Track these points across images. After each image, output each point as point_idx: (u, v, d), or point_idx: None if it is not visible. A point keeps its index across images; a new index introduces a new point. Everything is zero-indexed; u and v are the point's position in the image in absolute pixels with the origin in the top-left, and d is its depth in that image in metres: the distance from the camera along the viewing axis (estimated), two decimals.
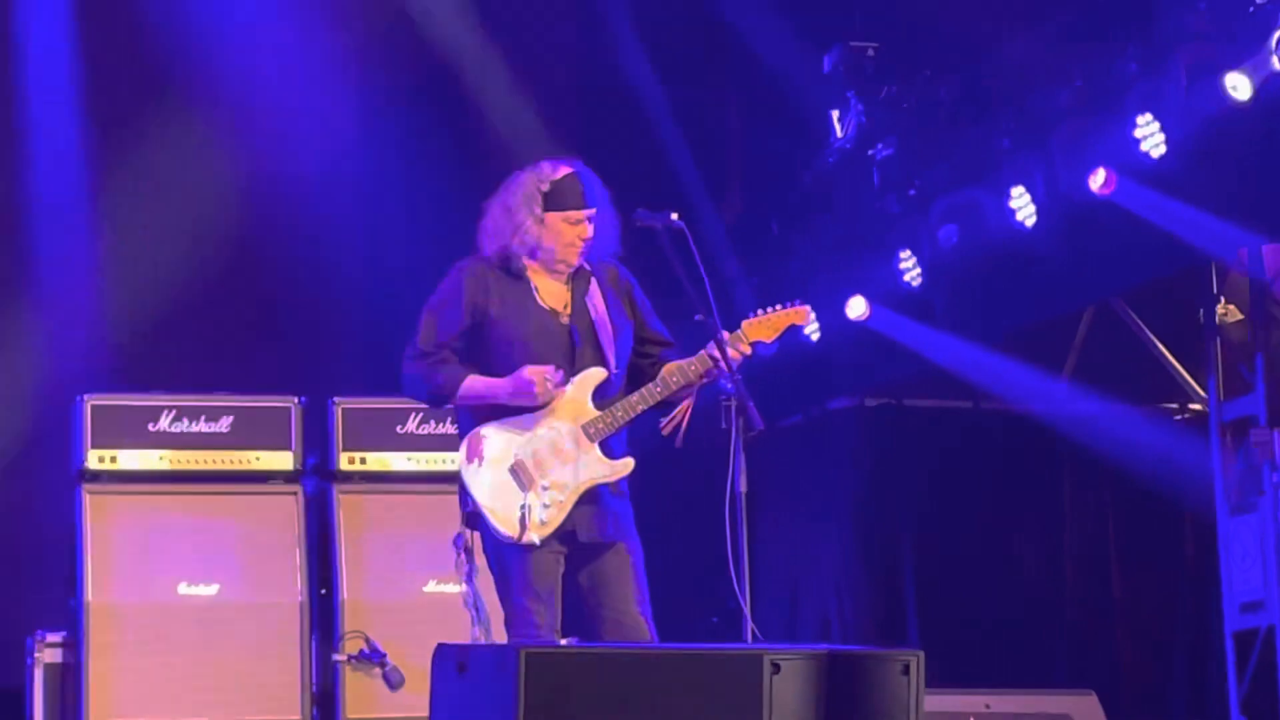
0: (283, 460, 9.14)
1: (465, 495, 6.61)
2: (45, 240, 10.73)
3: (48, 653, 8.97)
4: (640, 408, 6.59)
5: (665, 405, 6.67)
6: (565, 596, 6.62)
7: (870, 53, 10.65)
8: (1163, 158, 8.69)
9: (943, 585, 10.85)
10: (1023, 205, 9.43)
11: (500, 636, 6.67)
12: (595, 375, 6.61)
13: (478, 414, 6.63)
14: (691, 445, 6.67)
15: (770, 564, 11.05)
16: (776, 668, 5.50)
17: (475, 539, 6.63)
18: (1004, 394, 10.81)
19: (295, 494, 9.12)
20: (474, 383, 6.57)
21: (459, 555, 6.62)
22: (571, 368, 6.61)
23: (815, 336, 10.95)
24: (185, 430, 9.06)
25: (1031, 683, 9.49)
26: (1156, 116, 8.65)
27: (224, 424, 9.11)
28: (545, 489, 6.54)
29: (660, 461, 6.70)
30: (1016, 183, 9.44)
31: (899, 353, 10.69)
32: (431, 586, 9.00)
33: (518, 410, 6.57)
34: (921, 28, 10.22)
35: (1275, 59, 8.20)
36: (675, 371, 6.59)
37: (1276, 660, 9.24)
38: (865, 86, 10.66)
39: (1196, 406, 10.76)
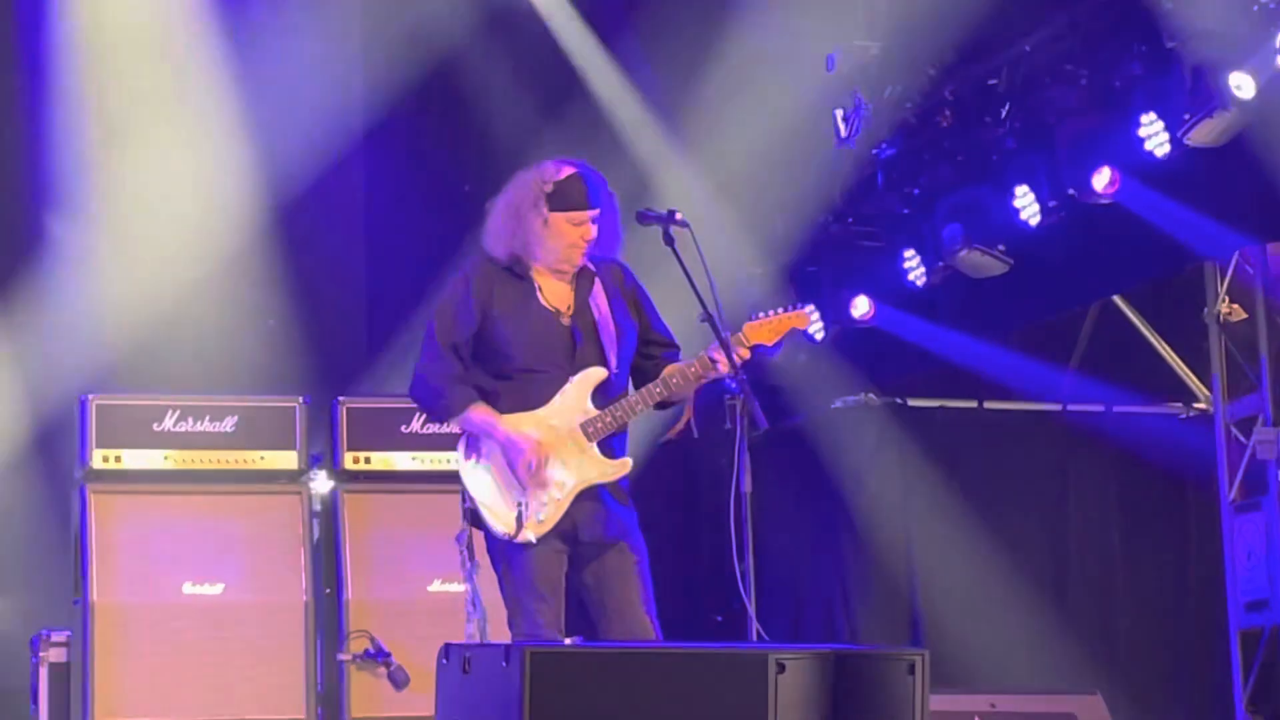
0: (287, 460, 9.15)
1: (464, 492, 6.62)
2: (49, 240, 10.73)
3: (53, 652, 8.98)
4: (639, 408, 6.59)
5: (665, 406, 6.67)
6: (570, 595, 6.62)
7: (875, 52, 10.64)
8: (1167, 157, 8.69)
9: (948, 584, 10.85)
10: (1027, 205, 9.42)
11: (498, 635, 6.67)
12: (595, 375, 6.61)
13: None
14: (696, 445, 6.67)
15: (775, 563, 11.04)
16: (782, 667, 5.50)
17: (477, 536, 6.64)
18: (1013, 386, 10.81)
19: (300, 494, 9.12)
20: (476, 413, 6.56)
21: (462, 552, 6.62)
22: (572, 367, 6.61)
23: (819, 336, 10.95)
24: (190, 430, 9.07)
25: (1036, 683, 9.51)
26: (1161, 116, 8.65)
27: (228, 424, 9.11)
28: (542, 487, 6.55)
29: (665, 461, 6.71)
30: (1021, 182, 9.44)
31: (903, 352, 10.69)
32: (436, 586, 9.00)
33: (517, 408, 6.58)
34: (926, 27, 10.20)
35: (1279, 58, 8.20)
36: (675, 373, 6.60)
37: None
38: (870, 86, 10.65)
39: (1201, 406, 10.76)
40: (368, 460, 9.23)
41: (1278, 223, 8.91)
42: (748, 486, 6.55)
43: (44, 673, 8.96)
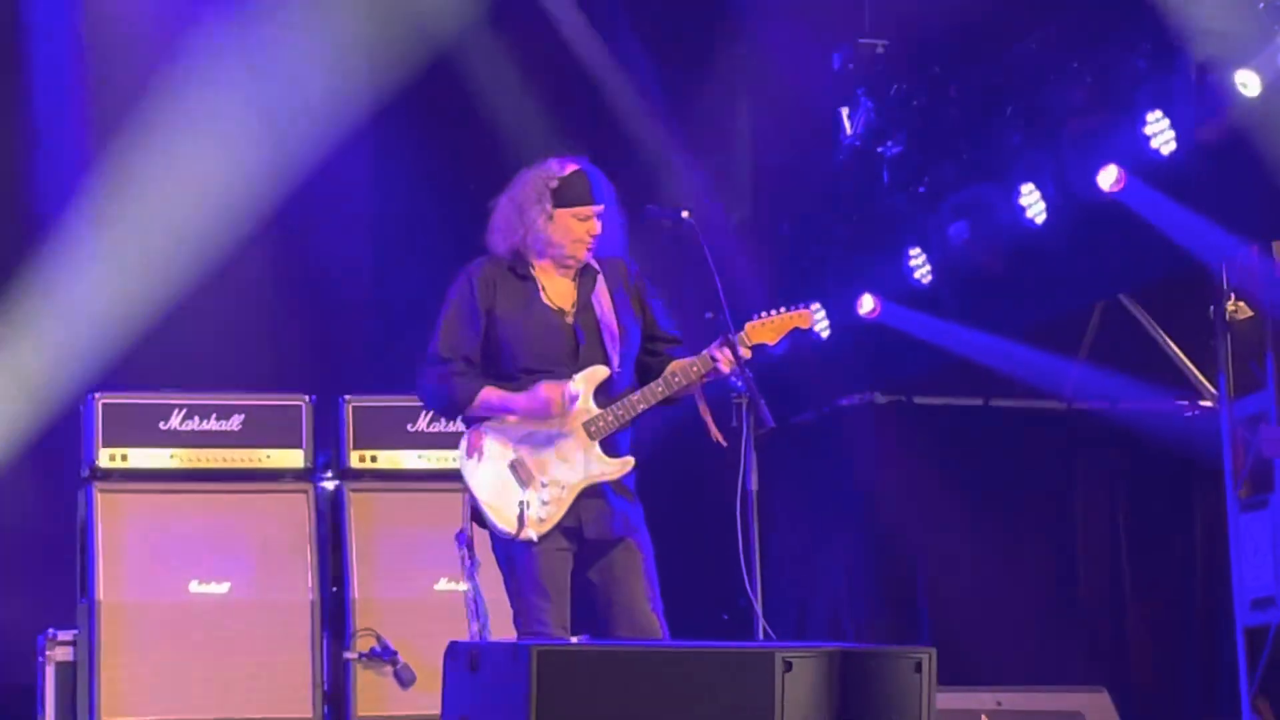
0: (294, 458, 9.15)
1: (466, 491, 6.63)
2: (56, 238, 10.74)
3: (59, 651, 8.98)
4: (641, 407, 6.59)
5: (669, 403, 6.67)
6: (576, 594, 6.62)
7: (880, 50, 10.65)
8: (1172, 154, 8.69)
9: (954, 582, 10.85)
10: (1033, 202, 9.42)
11: (502, 634, 6.67)
12: (597, 373, 6.61)
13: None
14: (701, 443, 6.67)
15: (781, 562, 11.05)
16: (789, 666, 5.50)
17: (481, 535, 6.64)
18: (1022, 378, 10.81)
19: (306, 492, 9.12)
20: (489, 395, 6.57)
21: (462, 551, 6.62)
22: (575, 366, 6.61)
23: (825, 334, 10.95)
24: (196, 428, 9.07)
25: (1043, 680, 9.51)
26: (1166, 113, 8.65)
27: (235, 422, 9.11)
28: (544, 486, 6.55)
29: (671, 460, 6.71)
30: (1026, 180, 9.44)
31: (909, 349, 10.69)
32: (443, 584, 9.00)
33: None
34: (931, 24, 10.21)
35: None
36: (678, 371, 6.60)
37: None
38: (875, 83, 10.66)
39: (1207, 403, 10.76)
40: (374, 459, 9.24)
41: None
42: (754, 485, 6.55)
43: (50, 672, 8.97)
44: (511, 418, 6.58)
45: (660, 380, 6.59)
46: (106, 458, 8.97)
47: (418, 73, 11.21)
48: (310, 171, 11.04)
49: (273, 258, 11.06)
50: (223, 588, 8.95)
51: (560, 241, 6.62)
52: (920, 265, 10.24)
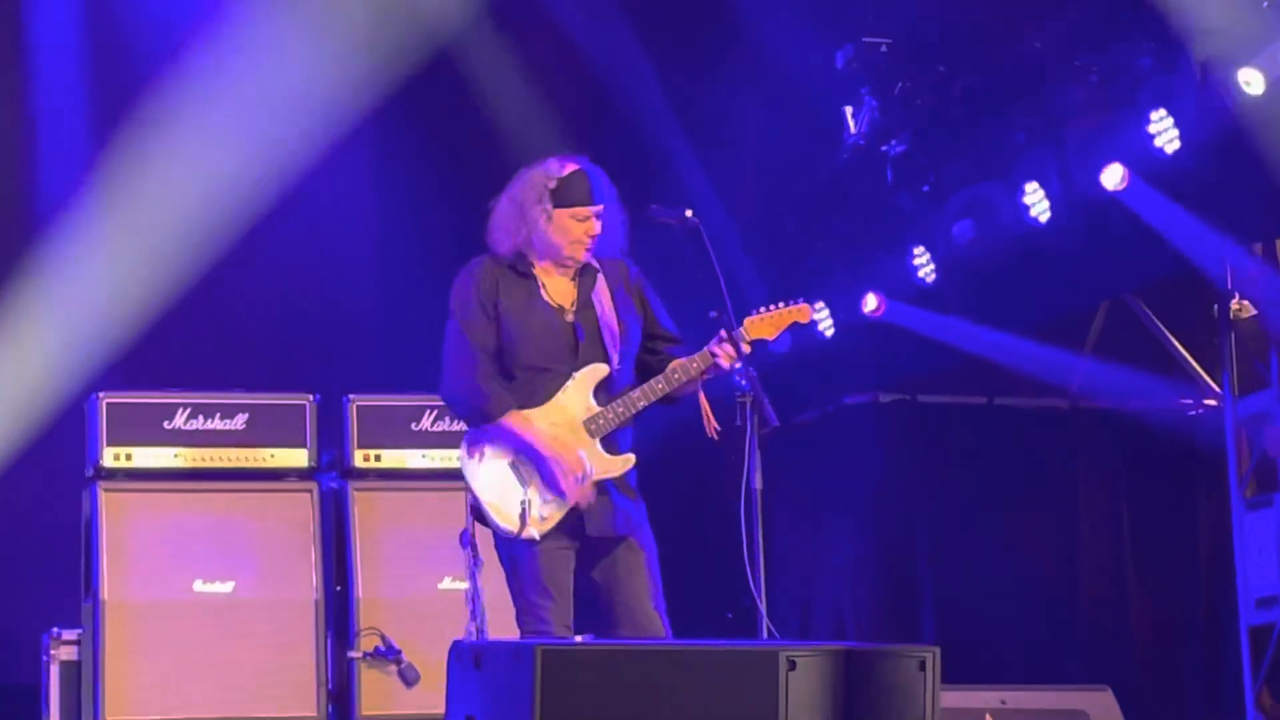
0: (298, 457, 9.15)
1: (468, 490, 6.63)
2: (60, 238, 10.74)
3: (63, 650, 8.98)
4: (641, 404, 6.60)
5: (670, 401, 6.67)
6: (579, 592, 6.62)
7: (884, 48, 10.64)
8: (1176, 153, 8.69)
9: (958, 581, 10.86)
10: (1037, 201, 9.42)
11: (503, 633, 6.67)
12: (597, 371, 6.62)
13: None
14: (707, 442, 6.67)
15: (785, 560, 11.06)
16: (793, 664, 5.50)
17: (484, 534, 6.63)
18: (1026, 376, 10.81)
19: (310, 491, 9.12)
20: (514, 423, 6.55)
21: (466, 551, 6.62)
22: (575, 364, 6.62)
23: (830, 333, 10.96)
24: (200, 428, 9.07)
25: (1047, 679, 9.51)
26: (1170, 112, 8.65)
27: (239, 421, 9.11)
28: (545, 485, 6.55)
29: (675, 458, 6.71)
30: (1031, 178, 9.44)
31: (913, 348, 10.69)
32: (447, 583, 9.00)
33: (522, 406, 6.57)
34: (935, 23, 10.21)
35: None
36: (678, 368, 6.60)
37: None
38: (879, 82, 10.65)
39: (1211, 402, 10.75)
40: (378, 458, 9.23)
41: None
42: (758, 483, 6.55)
43: (54, 671, 8.97)
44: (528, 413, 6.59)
45: (660, 377, 6.60)
46: (111, 457, 8.97)
47: (421, 71, 11.21)
48: (314, 170, 11.04)
49: (276, 256, 11.05)
50: (227, 587, 8.95)
51: (559, 241, 6.63)
52: (925, 264, 10.24)
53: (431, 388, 6.79)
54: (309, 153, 11.03)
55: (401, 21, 11.19)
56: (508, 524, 6.53)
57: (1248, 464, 9.80)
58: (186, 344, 10.67)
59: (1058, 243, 9.55)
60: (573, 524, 6.57)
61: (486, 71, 11.41)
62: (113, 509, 8.91)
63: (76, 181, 10.80)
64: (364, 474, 9.21)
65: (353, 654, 8.98)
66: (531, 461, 6.55)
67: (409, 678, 8.90)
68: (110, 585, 8.82)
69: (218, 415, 9.09)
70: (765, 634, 6.62)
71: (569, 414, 6.59)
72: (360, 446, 9.22)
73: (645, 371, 6.69)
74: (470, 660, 5.77)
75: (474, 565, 6.60)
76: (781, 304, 6.72)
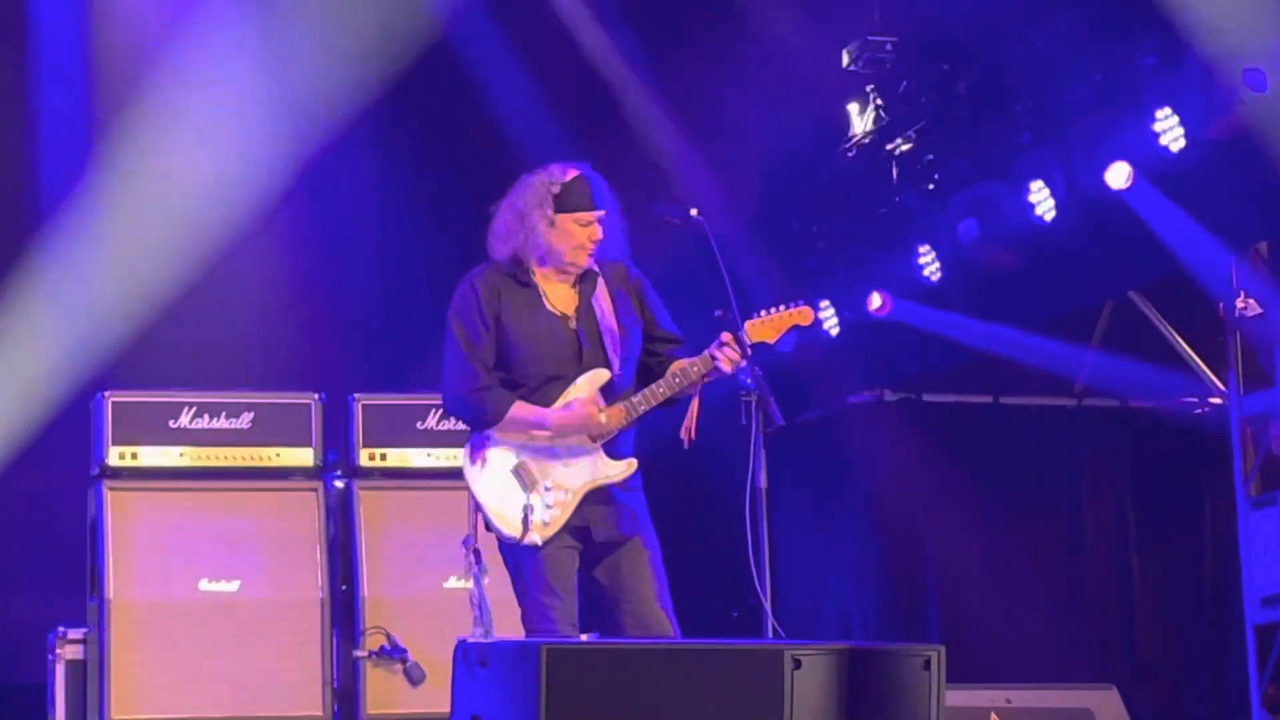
0: (303, 457, 9.15)
1: (471, 496, 6.63)
2: (64, 236, 10.75)
3: (69, 649, 8.99)
4: (643, 408, 6.59)
5: (672, 404, 6.66)
6: (584, 592, 6.62)
7: (888, 47, 10.65)
8: (1181, 151, 8.69)
9: (963, 579, 10.85)
10: (1042, 199, 9.42)
11: (504, 635, 6.66)
12: (599, 376, 6.61)
13: None
14: (712, 441, 6.66)
15: (790, 559, 11.05)
16: (798, 663, 5.50)
17: (489, 537, 6.63)
18: (1033, 371, 10.81)
19: (316, 490, 9.13)
20: (521, 411, 6.57)
21: (468, 556, 6.62)
22: (578, 370, 6.61)
23: (835, 332, 10.96)
24: (206, 427, 9.07)
25: (1052, 677, 9.50)
26: (1175, 110, 8.64)
27: (244, 420, 9.12)
28: (548, 489, 6.54)
29: (680, 458, 6.70)
30: (1035, 177, 9.43)
31: (918, 347, 10.69)
32: (452, 582, 9.00)
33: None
34: (940, 22, 10.20)
35: None
36: (679, 371, 6.59)
37: None
38: (884, 81, 10.65)
39: (1216, 400, 10.75)
40: (383, 457, 9.24)
41: None
42: (763, 482, 6.55)
43: (60, 670, 8.98)
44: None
45: (661, 381, 6.59)
46: (116, 456, 8.98)
47: (425, 70, 11.22)
48: (319, 168, 11.05)
49: (281, 255, 11.06)
50: (232, 586, 8.96)
51: (561, 247, 6.62)
52: (929, 263, 10.23)
53: (436, 386, 6.79)
54: (314, 151, 11.04)
55: (405, 19, 11.20)
56: (510, 529, 6.53)
57: (1253, 462, 9.79)
58: (191, 343, 10.68)
59: (1063, 241, 9.54)
60: (578, 526, 6.57)
61: (491, 71, 11.42)
62: (118, 508, 8.92)
63: (79, 180, 10.80)
64: (369, 473, 9.21)
65: (358, 653, 8.98)
66: (538, 455, 6.54)
67: (414, 676, 8.90)
68: (116, 584, 8.82)
69: (223, 414, 9.10)
70: (770, 633, 6.62)
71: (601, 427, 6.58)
72: (365, 445, 9.22)
73: (646, 374, 6.69)
74: (476, 659, 5.77)
75: (477, 571, 6.59)
76: (783, 306, 6.71)
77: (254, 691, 8.85)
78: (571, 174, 6.63)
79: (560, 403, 6.58)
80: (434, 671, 8.76)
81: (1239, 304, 9.82)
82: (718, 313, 6.54)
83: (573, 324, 6.64)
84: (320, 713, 8.91)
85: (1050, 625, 10.80)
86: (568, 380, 6.59)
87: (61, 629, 9.03)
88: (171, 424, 9.05)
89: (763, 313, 6.67)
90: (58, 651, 8.99)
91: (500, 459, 6.58)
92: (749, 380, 6.55)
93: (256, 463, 9.10)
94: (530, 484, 6.54)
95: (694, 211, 6.70)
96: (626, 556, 6.60)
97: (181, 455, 9.05)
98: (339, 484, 9.23)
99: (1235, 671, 10.15)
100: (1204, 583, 10.89)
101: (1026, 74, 9.56)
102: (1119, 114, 8.97)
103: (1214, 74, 8.42)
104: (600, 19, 11.48)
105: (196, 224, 10.88)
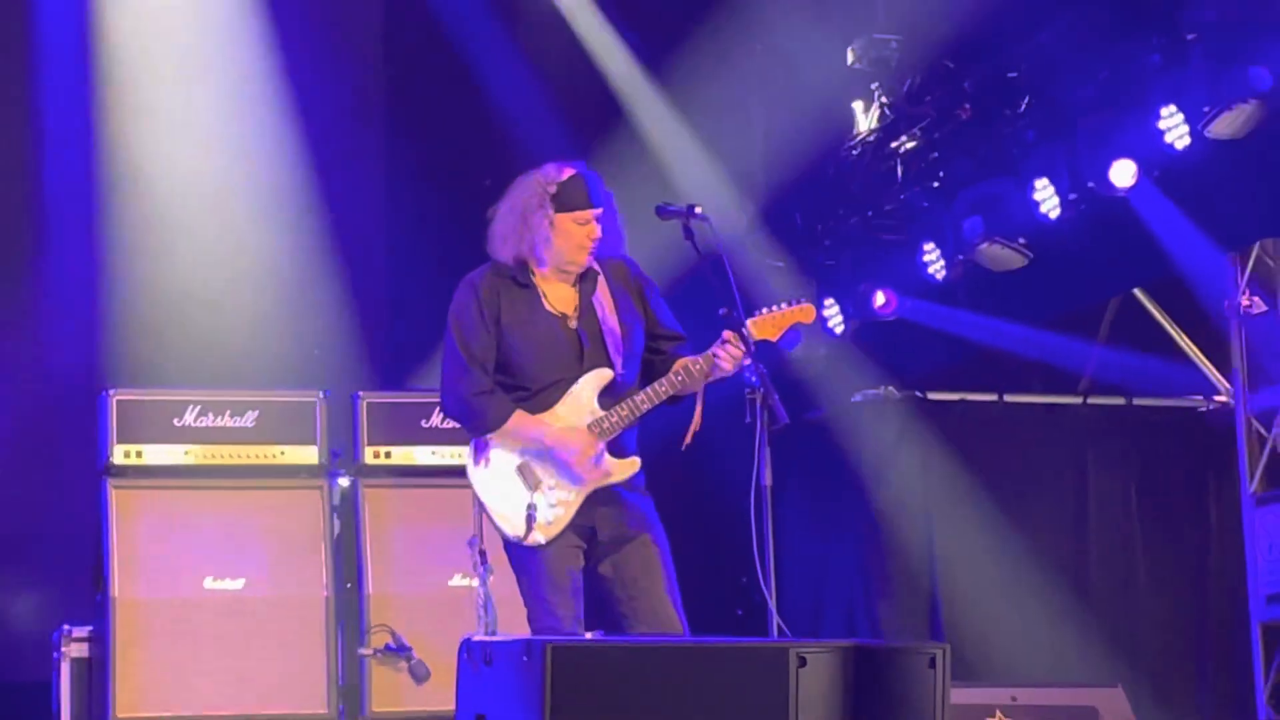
0: (308, 455, 9.16)
1: (475, 496, 6.63)
2: (69, 236, 10.75)
3: (74, 647, 8.99)
4: (645, 406, 6.58)
5: (675, 401, 6.66)
6: (590, 590, 6.62)
7: (893, 45, 10.64)
8: (1187, 149, 8.68)
9: (968, 578, 10.83)
10: (1047, 197, 9.41)
11: (509, 632, 6.66)
12: (601, 375, 6.61)
13: None
14: (716, 439, 6.66)
15: (795, 557, 11.03)
16: (803, 661, 5.50)
17: (492, 537, 6.63)
18: (1038, 366, 10.81)
19: (320, 488, 9.13)
20: (519, 424, 6.56)
21: (473, 555, 6.62)
22: (580, 371, 6.61)
23: (839, 330, 10.95)
24: (210, 425, 9.08)
25: (1057, 676, 9.49)
26: (1180, 108, 8.64)
27: (249, 419, 9.12)
28: (551, 489, 6.54)
29: (685, 456, 6.69)
30: (1041, 175, 9.43)
31: (923, 345, 10.68)
32: (457, 580, 9.01)
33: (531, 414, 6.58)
34: (945, 19, 10.20)
35: None
36: (681, 369, 6.58)
37: None
38: (888, 79, 10.65)
39: (1222, 398, 10.74)
40: (388, 455, 9.24)
41: None
42: (768, 480, 6.55)
43: (65, 668, 8.99)
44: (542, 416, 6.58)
45: (664, 379, 6.58)
46: (121, 454, 8.98)
47: (431, 70, 11.22)
48: (324, 167, 11.05)
49: (286, 253, 11.06)
50: (237, 584, 8.96)
51: (561, 246, 6.61)
52: (934, 260, 10.23)
53: (439, 386, 6.79)
54: (319, 149, 11.04)
55: (413, 18, 11.20)
56: (514, 530, 6.53)
57: (1258, 460, 9.78)
58: (196, 341, 10.68)
59: (1068, 239, 9.54)
60: (584, 525, 6.56)
61: (499, 70, 11.41)
62: (123, 506, 8.93)
63: (84, 178, 10.81)
64: (374, 471, 9.22)
65: (363, 651, 8.99)
66: (540, 458, 6.55)
67: (419, 674, 8.90)
68: (121, 583, 8.83)
69: (228, 413, 9.10)
70: (775, 631, 6.62)
71: (574, 418, 6.58)
72: (370, 443, 9.23)
73: (650, 372, 6.68)
74: (480, 657, 5.77)
75: (483, 570, 6.59)
76: (785, 304, 6.71)
77: (259, 689, 8.85)
78: (567, 173, 6.63)
79: (562, 404, 6.57)
80: (439, 669, 8.76)
81: (1244, 301, 9.81)
82: (722, 311, 6.53)
83: (573, 324, 6.64)
84: (325, 710, 8.92)
85: (1055, 624, 10.77)
86: (569, 382, 6.59)
87: (67, 627, 9.04)
88: (176, 422, 9.06)
89: (764, 310, 6.67)
90: (63, 650, 9.00)
91: (503, 459, 6.58)
92: (754, 378, 6.54)
93: (261, 461, 9.11)
94: (533, 484, 6.54)
95: (698, 208, 6.69)
96: (637, 554, 6.59)
97: (186, 454, 9.05)
98: (344, 482, 9.24)
99: (1241, 669, 10.13)
100: (1209, 580, 10.87)
101: (1032, 72, 9.55)
102: (1125, 112, 8.96)
103: (1219, 72, 8.41)
104: (605, 17, 11.48)
105: (200, 222, 10.88)
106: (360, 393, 9.29)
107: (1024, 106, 9.58)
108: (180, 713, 8.80)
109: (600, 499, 6.57)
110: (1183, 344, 10.78)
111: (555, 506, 6.53)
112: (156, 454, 9.03)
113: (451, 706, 5.99)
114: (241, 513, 9.02)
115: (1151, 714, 9.57)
